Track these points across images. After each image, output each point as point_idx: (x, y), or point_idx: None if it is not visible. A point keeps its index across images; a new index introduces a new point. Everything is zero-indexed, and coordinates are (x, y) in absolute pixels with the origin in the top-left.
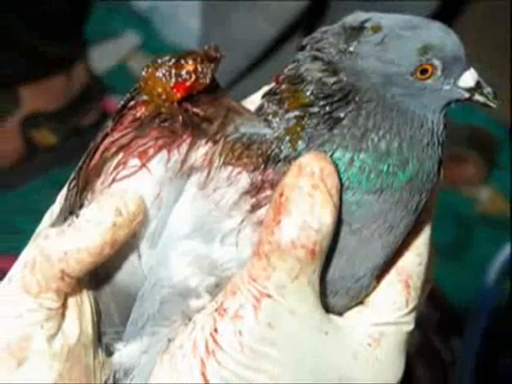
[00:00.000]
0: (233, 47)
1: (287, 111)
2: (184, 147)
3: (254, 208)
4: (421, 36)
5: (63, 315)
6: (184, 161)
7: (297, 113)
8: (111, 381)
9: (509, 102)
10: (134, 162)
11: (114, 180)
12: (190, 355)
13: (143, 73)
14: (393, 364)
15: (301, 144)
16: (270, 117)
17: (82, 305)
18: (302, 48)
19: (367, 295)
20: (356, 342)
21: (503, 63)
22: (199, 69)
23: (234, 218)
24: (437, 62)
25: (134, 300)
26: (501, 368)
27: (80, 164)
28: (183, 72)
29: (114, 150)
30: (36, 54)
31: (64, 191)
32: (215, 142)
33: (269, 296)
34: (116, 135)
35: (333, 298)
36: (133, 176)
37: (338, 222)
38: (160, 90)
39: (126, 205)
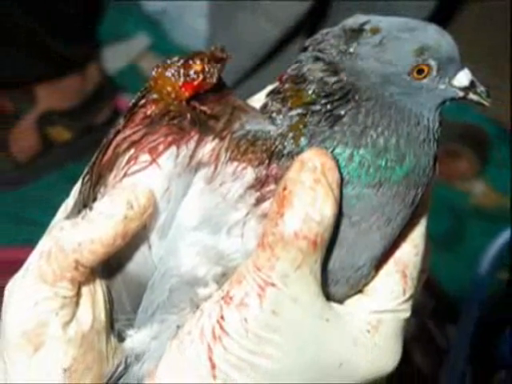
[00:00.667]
0: (238, 48)
1: (290, 109)
2: (192, 143)
3: (259, 201)
4: (417, 38)
5: (77, 303)
6: (192, 156)
7: (299, 111)
8: (123, 365)
9: (503, 102)
10: (145, 157)
11: (125, 174)
12: (197, 341)
13: (153, 73)
14: (391, 350)
15: (303, 140)
16: (274, 114)
17: (95, 293)
18: (305, 49)
19: (366, 284)
20: (356, 328)
21: (499, 63)
22: (206, 69)
23: (240, 210)
24: (432, 63)
25: (145, 289)
26: (496, 355)
27: (93, 159)
28: (191, 72)
29: (125, 145)
30: (51, 55)
31: (78, 185)
32: (222, 139)
33: (273, 285)
34: (128, 132)
35: (334, 287)
36: (143, 171)
37: (339, 215)
38: (169, 88)
39: (136, 198)
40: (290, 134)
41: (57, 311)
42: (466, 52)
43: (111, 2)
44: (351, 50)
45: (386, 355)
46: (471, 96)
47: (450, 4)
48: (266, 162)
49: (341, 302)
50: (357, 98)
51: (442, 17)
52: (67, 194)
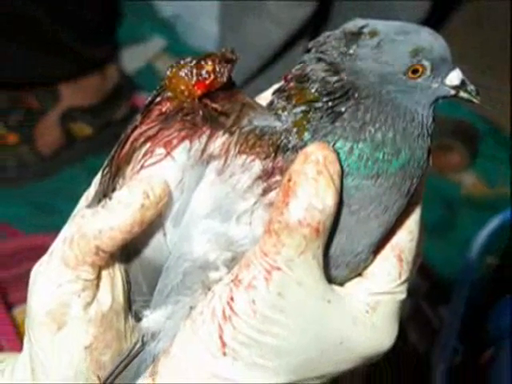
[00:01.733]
0: (246, 50)
1: (295, 106)
2: (204, 138)
3: (266, 191)
4: (412, 40)
5: (98, 286)
6: (204, 150)
7: (303, 108)
8: (140, 343)
9: (502, 104)
10: (160, 150)
11: (142, 167)
12: (209, 321)
13: (168, 72)
14: (388, 329)
15: (307, 135)
16: (279, 111)
17: (114, 276)
18: (308, 50)
19: (365, 268)
20: (355, 309)
21: (497, 64)
22: (217, 69)
23: (248, 200)
24: (426, 63)
25: (160, 272)
26: (485, 333)
27: (112, 153)
28: (203, 72)
29: (142, 140)
30: (74, 57)
31: (98, 177)
32: (231, 134)
33: (278, 269)
34: (144, 127)
35: (335, 271)
36: (159, 163)
37: (339, 204)
38: (183, 87)
39: (152, 189)
40: (295, 130)
41: (79, 293)
42: (462, 52)
43: (129, 8)
44: (351, 51)
45: (383, 334)
46: (462, 94)
47: (446, 4)
48: (273, 155)
49: (341, 284)
50: (356, 95)
51: (438, 17)
52: (88, 185)
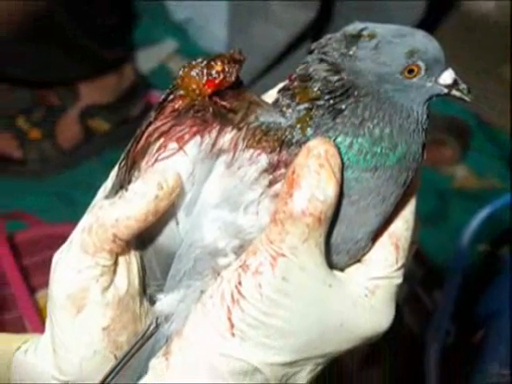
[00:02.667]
0: (253, 51)
1: (298, 104)
2: (214, 133)
3: (271, 183)
4: (408, 42)
5: (115, 271)
6: (214, 144)
7: (306, 105)
8: (154, 324)
9: (502, 104)
10: (173, 145)
11: (156, 160)
12: (218, 304)
13: (180, 72)
14: (385, 311)
15: (309, 131)
16: (284, 108)
17: (130, 263)
18: (311, 52)
19: (364, 255)
20: (355, 292)
21: (493, 65)
22: (226, 69)
23: (255, 191)
24: (421, 64)
25: (173, 258)
26: (476, 315)
27: (128, 147)
28: (213, 71)
29: (156, 135)
30: (93, 58)
31: (115, 170)
32: (239, 129)
33: (283, 255)
34: (158, 123)
35: (336, 257)
36: (172, 157)
37: (340, 195)
38: (194, 86)
39: (166, 180)
40: (298, 126)
41: (97, 278)
42: (457, 54)
43: (144, 12)
44: (351, 52)
45: (381, 316)
46: (454, 92)
47: (443, 4)
48: (278, 149)
49: (342, 270)
50: (356, 94)
51: (434, 17)
52: (106, 178)
